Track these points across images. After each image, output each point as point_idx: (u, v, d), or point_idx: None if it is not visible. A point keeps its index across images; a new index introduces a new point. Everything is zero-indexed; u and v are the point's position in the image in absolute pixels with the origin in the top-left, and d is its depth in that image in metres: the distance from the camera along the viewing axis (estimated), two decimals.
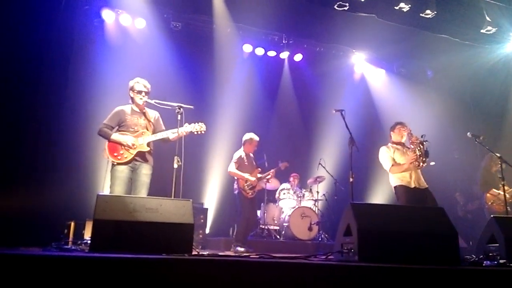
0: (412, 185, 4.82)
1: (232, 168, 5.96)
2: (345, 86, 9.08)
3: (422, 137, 4.83)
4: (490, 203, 6.09)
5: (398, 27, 7.24)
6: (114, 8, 7.22)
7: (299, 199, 7.53)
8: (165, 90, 5.58)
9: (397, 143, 5.08)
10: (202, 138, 6.90)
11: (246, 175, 5.90)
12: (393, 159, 4.93)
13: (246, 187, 5.88)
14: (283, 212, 7.43)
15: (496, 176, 6.00)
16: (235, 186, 5.97)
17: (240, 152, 6.07)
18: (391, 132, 5.18)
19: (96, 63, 6.88)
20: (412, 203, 4.70)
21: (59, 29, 6.27)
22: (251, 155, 6.21)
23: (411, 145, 4.90)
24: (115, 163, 4.23)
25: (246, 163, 6.01)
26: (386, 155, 4.99)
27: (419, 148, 4.76)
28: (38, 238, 4.27)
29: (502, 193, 5.31)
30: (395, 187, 4.96)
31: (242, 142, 6.14)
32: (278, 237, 7.15)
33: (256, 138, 6.10)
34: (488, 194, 6.14)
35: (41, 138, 5.99)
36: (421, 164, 4.75)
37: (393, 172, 4.93)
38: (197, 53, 8.01)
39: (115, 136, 4.28)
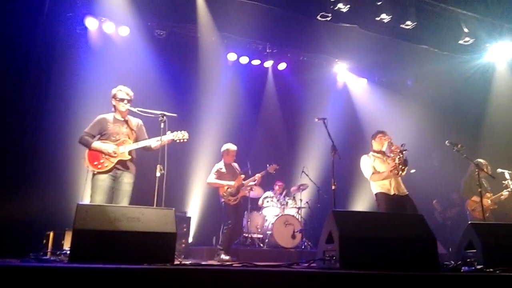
0: (392, 192, 4.91)
1: (211, 178, 6.01)
2: (328, 95, 9.21)
3: (402, 146, 4.93)
4: (471, 209, 6.23)
5: (379, 38, 7.41)
6: (97, 15, 7.17)
7: (283, 207, 7.55)
8: (148, 98, 5.54)
9: (378, 152, 5.18)
10: (186, 147, 6.89)
11: (225, 182, 5.91)
12: (374, 167, 5.02)
13: (226, 194, 5.87)
14: (266, 220, 7.43)
15: (481, 184, 6.15)
16: (220, 196, 5.98)
17: (220, 165, 6.12)
18: (372, 141, 5.27)
19: (79, 70, 6.81)
20: (392, 209, 4.79)
21: (41, 36, 6.18)
22: (234, 164, 6.22)
23: (391, 154, 5.00)
24: (96, 172, 4.18)
25: (226, 173, 6.02)
26: (366, 163, 5.09)
27: (398, 157, 4.84)
28: (16, 249, 4.16)
29: (484, 199, 5.49)
30: (375, 194, 5.06)
31: (221, 153, 6.19)
32: (261, 245, 7.15)
33: (233, 147, 6.13)
34: (470, 201, 6.28)
35: (20, 147, 5.86)
36: (400, 172, 4.84)
37: (374, 180, 5.02)
38: (182, 61, 8.01)
39: (96, 144, 4.24)
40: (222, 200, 5.91)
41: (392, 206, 4.83)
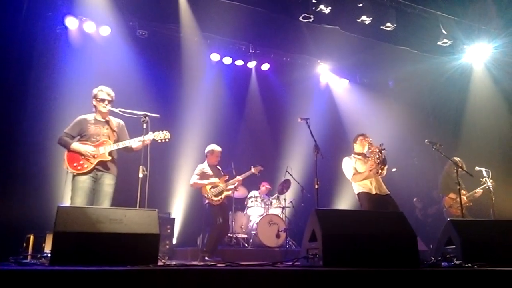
0: (374, 192, 5.03)
1: (193, 179, 5.93)
2: (311, 95, 9.29)
3: (380, 145, 5.06)
4: (448, 206, 6.38)
5: (361, 39, 7.51)
6: (77, 15, 7.06)
7: (267, 206, 7.57)
8: (130, 99, 5.49)
9: (359, 154, 5.30)
10: (169, 148, 6.85)
11: (208, 181, 5.82)
12: (355, 169, 5.13)
13: (209, 194, 5.78)
14: (250, 220, 7.44)
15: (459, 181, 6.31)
16: (203, 197, 5.90)
17: (203, 165, 6.04)
18: (354, 144, 5.40)
19: (59, 70, 6.69)
20: (374, 208, 4.91)
21: (20, 35, 6.06)
22: (217, 167, 6.16)
23: (371, 154, 5.10)
24: (75, 174, 4.11)
25: (210, 174, 5.95)
26: (348, 165, 5.21)
27: (377, 156, 4.97)
28: None
29: (461, 197, 5.62)
30: (358, 194, 5.17)
31: (205, 154, 6.12)
32: (246, 245, 7.15)
33: (218, 148, 6.08)
34: (447, 198, 6.43)
35: None
36: (380, 171, 4.98)
37: (355, 181, 5.13)
38: (164, 61, 7.95)
39: (75, 145, 4.17)
40: (206, 201, 5.83)
41: (375, 205, 4.94)
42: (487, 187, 6.12)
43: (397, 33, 7.23)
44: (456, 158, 6.16)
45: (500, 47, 7.63)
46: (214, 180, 5.86)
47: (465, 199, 6.22)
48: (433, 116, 9.33)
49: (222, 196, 5.89)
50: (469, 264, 3.17)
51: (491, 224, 3.93)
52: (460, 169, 5.69)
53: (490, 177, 6.13)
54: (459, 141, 8.29)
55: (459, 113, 8.57)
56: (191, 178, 6.02)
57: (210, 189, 5.83)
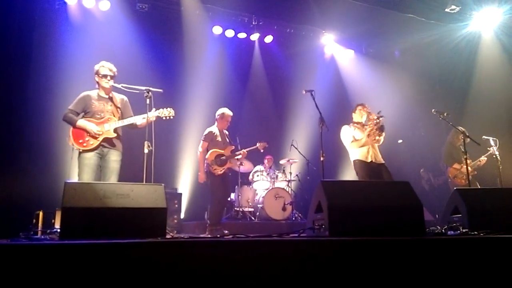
0: (369, 160, 5.14)
1: (201, 149, 5.71)
2: (316, 67, 9.15)
3: (378, 113, 5.16)
4: (453, 177, 6.36)
5: (366, 7, 7.32)
6: None
7: (273, 180, 7.61)
8: (133, 74, 5.42)
9: (357, 123, 5.40)
10: (173, 123, 6.80)
11: (202, 169, 5.65)
12: (353, 136, 5.23)
13: (213, 162, 5.61)
14: (257, 194, 7.50)
15: (460, 150, 6.24)
16: (205, 164, 5.71)
17: (212, 128, 5.83)
18: (353, 113, 5.50)
19: (60, 47, 6.63)
20: (368, 176, 5.05)
21: (19, 12, 5.98)
22: (226, 132, 5.96)
23: (368, 122, 5.21)
24: (81, 150, 4.13)
25: (218, 139, 5.76)
26: (346, 132, 5.32)
27: (375, 123, 5.09)
28: (5, 230, 4.13)
29: (464, 166, 5.59)
30: (353, 161, 5.28)
31: (215, 118, 5.91)
32: (253, 218, 7.24)
33: (228, 112, 5.83)
34: (451, 168, 6.40)
35: (4, 127, 5.75)
36: (377, 137, 5.10)
37: (353, 147, 5.23)
38: (166, 35, 7.82)
39: (81, 122, 4.17)
40: (206, 170, 5.66)
41: (368, 172, 5.07)
42: (493, 155, 6.07)
43: (403, 0, 7.03)
44: (459, 128, 6.09)
45: (510, 11, 7.40)
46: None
47: (470, 168, 6.19)
48: (439, 85, 9.19)
49: (225, 166, 5.70)
50: (475, 232, 3.18)
51: (497, 193, 3.90)
52: (467, 138, 5.64)
53: (497, 146, 6.07)
54: (466, 110, 8.19)
55: (466, 82, 8.43)
56: (199, 145, 5.80)
57: (215, 157, 5.63)
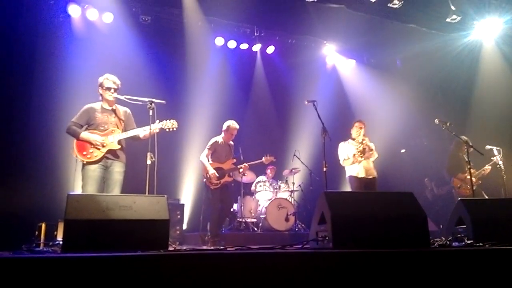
0: (360, 175, 5.63)
1: (203, 156, 5.77)
2: (318, 77, 9.19)
3: (364, 136, 5.74)
4: (457, 186, 6.32)
5: (367, 18, 7.36)
6: (80, 2, 7.01)
7: (275, 190, 7.59)
8: (136, 85, 5.46)
9: (353, 139, 5.82)
10: (176, 134, 6.81)
11: (209, 167, 5.64)
12: (347, 155, 5.63)
13: (208, 178, 5.63)
14: (259, 204, 7.47)
15: (464, 160, 6.22)
16: (203, 175, 5.75)
17: (218, 138, 5.88)
18: (351, 129, 5.85)
19: (63, 59, 6.68)
20: (360, 190, 5.54)
21: (23, 24, 6.05)
22: (231, 144, 6.00)
23: (355, 145, 5.71)
24: (85, 162, 4.13)
25: (221, 151, 5.81)
26: (341, 150, 5.79)
27: (357, 147, 5.66)
28: (7, 241, 4.12)
29: (468, 177, 5.56)
30: (348, 177, 5.80)
31: (222, 129, 5.95)
32: (255, 229, 7.20)
33: (234, 125, 5.84)
34: (455, 178, 6.37)
35: (6, 138, 5.77)
36: (360, 159, 5.62)
37: (345, 165, 5.75)
38: (168, 47, 7.88)
39: (84, 134, 4.19)
40: (204, 180, 5.72)
41: (360, 187, 5.59)
42: (497, 165, 6.04)
43: (405, 10, 7.08)
44: (463, 137, 6.08)
45: (511, 21, 7.43)
46: (210, 171, 5.61)
47: (474, 178, 6.15)
48: (441, 94, 9.19)
49: (222, 180, 5.68)
50: (480, 244, 3.15)
51: (502, 203, 3.88)
52: (470, 148, 5.62)
53: (501, 155, 6.04)
54: (468, 119, 8.18)
55: (468, 91, 8.43)
56: (202, 153, 5.85)
57: (211, 174, 5.61)
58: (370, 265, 2.45)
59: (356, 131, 5.80)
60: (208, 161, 5.77)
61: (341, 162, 5.78)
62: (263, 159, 6.42)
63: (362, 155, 5.62)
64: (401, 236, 3.04)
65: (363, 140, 5.71)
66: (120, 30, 7.31)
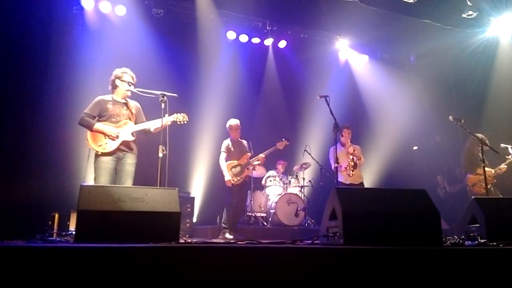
0: (348, 182, 5.86)
1: (221, 159, 5.97)
2: (330, 72, 9.11)
3: (354, 151, 6.02)
4: (471, 185, 6.23)
5: (381, 13, 7.26)
6: None
7: (285, 185, 7.58)
8: (147, 78, 5.47)
9: (342, 144, 6.05)
10: (187, 127, 6.83)
11: (226, 174, 5.83)
12: (337, 159, 5.48)
13: (231, 174, 5.85)
14: (269, 199, 7.47)
15: (479, 158, 6.11)
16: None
17: (227, 141, 6.07)
18: (340, 134, 5.97)
19: (76, 51, 6.72)
20: None
21: (37, 16, 6.10)
22: (242, 141, 6.16)
23: (347, 154, 5.98)
24: (99, 153, 4.16)
25: (233, 150, 5.99)
26: (332, 155, 5.88)
27: (349, 160, 5.92)
28: (22, 231, 4.19)
29: (485, 174, 5.51)
30: (335, 182, 5.97)
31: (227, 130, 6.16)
32: (265, 224, 7.21)
33: (233, 122, 6.06)
34: (471, 176, 6.27)
35: (21, 129, 5.85)
36: (351, 173, 5.90)
37: (336, 171, 5.91)
38: (180, 40, 7.88)
39: (98, 125, 4.22)
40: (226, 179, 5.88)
41: None
42: (508, 162, 5.93)
43: (419, 5, 6.96)
44: (479, 135, 5.98)
45: None
46: (226, 177, 5.81)
47: (489, 176, 6.05)
48: (455, 91, 9.05)
49: (243, 175, 5.91)
50: (494, 243, 3.10)
51: None
52: (485, 146, 5.53)
53: None
54: (483, 117, 8.04)
55: (483, 88, 8.28)
56: (220, 156, 6.02)
57: (231, 169, 5.87)
58: (381, 262, 2.43)
59: (345, 137, 6.06)
60: (226, 161, 5.93)
61: (332, 167, 5.94)
62: (277, 144, 6.37)
63: (353, 169, 5.91)
64: (413, 233, 3.02)
65: (353, 152, 5.97)
66: (133, 23, 7.33)
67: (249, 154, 6.05)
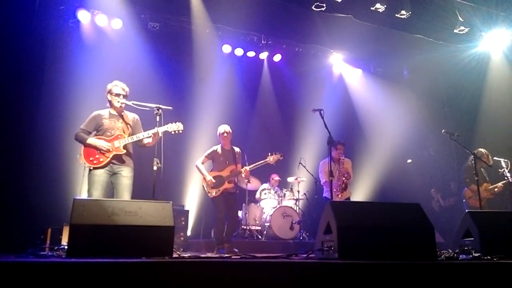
0: (337, 197, 5.82)
1: (198, 162, 5.69)
2: (324, 86, 9.19)
3: (346, 174, 6.08)
4: (468, 197, 6.30)
5: (375, 28, 7.36)
6: (89, 8, 7.08)
7: (280, 198, 7.56)
8: (143, 91, 5.49)
9: (334, 159, 5.99)
10: (182, 140, 6.87)
11: (206, 174, 5.55)
12: (331, 173, 5.25)
13: (205, 185, 5.56)
14: (264, 212, 7.44)
15: (480, 173, 6.20)
16: (202, 182, 5.68)
17: (216, 147, 5.78)
18: (333, 148, 5.90)
19: (72, 64, 6.74)
20: None
21: (33, 29, 6.11)
22: (235, 149, 5.82)
23: (340, 171, 6.02)
24: (92, 168, 4.15)
25: (221, 158, 5.68)
26: (321, 170, 6.13)
27: (340, 182, 5.97)
28: (14, 245, 4.15)
29: (484, 189, 5.88)
30: (323, 196, 6.18)
31: None
32: (260, 237, 7.16)
33: (221, 129, 5.72)
34: (467, 189, 6.34)
35: (15, 142, 5.81)
36: (340, 195, 5.92)
37: (326, 187, 6.03)
38: (176, 53, 7.93)
39: (91, 140, 4.22)
40: (204, 188, 5.63)
41: None
42: (505, 177, 5.98)
43: (412, 21, 7.06)
44: (481, 150, 6.08)
45: None
46: (207, 178, 5.51)
47: (485, 191, 6.11)
48: (448, 105, 9.15)
49: (221, 188, 5.52)
50: (488, 257, 3.11)
51: (510, 216, 3.83)
52: (480, 160, 5.63)
53: (508, 168, 5.99)
54: (476, 131, 8.12)
55: (475, 102, 8.39)
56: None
57: (208, 180, 5.51)
58: (376, 277, 2.42)
59: (338, 153, 6.09)
60: (208, 170, 5.69)
61: (321, 182, 6.14)
62: (269, 158, 6.00)
63: (343, 191, 5.97)
64: (407, 248, 3.02)
65: (344, 169, 6.02)
66: (129, 36, 7.37)
67: (234, 166, 5.69)
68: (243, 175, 5.77)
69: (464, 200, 6.47)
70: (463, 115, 8.60)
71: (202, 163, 5.72)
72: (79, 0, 6.95)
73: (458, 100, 8.82)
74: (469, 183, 6.37)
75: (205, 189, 5.60)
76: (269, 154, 6.07)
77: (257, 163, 5.96)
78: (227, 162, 5.69)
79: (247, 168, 5.74)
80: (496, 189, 6.19)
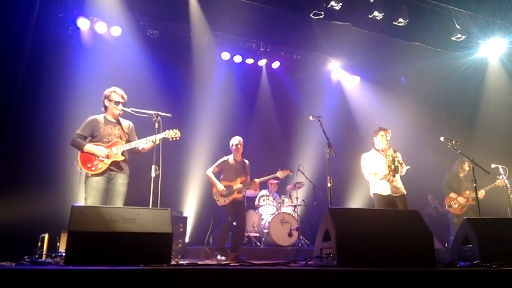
0: (386, 193, 5.04)
1: (209, 171, 5.86)
2: (322, 93, 9.23)
3: (395, 151, 5.14)
4: (448, 205, 6.33)
5: (372, 35, 7.42)
6: (89, 16, 7.12)
7: (279, 205, 7.55)
8: (142, 98, 5.50)
9: (378, 150, 5.25)
10: (181, 147, 6.86)
11: (217, 183, 5.74)
12: (371, 167, 5.11)
13: (215, 193, 5.76)
14: (263, 218, 7.42)
15: (462, 181, 6.23)
16: (212, 190, 5.86)
17: (228, 157, 5.95)
18: (374, 138, 5.33)
19: (71, 71, 6.76)
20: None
21: (33, 37, 6.12)
22: (245, 162, 6.02)
23: (386, 156, 5.10)
24: (89, 174, 4.14)
25: (231, 169, 5.85)
26: (364, 162, 5.23)
27: (389, 164, 5.04)
28: (11, 252, 4.11)
29: (460, 196, 6.05)
30: (372, 194, 5.21)
31: None
32: (258, 244, 7.14)
33: (233, 141, 5.90)
34: (447, 197, 6.38)
35: (13, 149, 5.80)
36: (391, 178, 5.02)
37: (371, 180, 5.19)
38: (175, 61, 7.97)
39: (89, 146, 4.20)
40: (213, 196, 5.81)
41: (385, 206, 4.99)
42: (503, 184, 5.98)
43: (410, 28, 7.12)
44: (463, 159, 6.09)
45: None
46: (218, 187, 5.71)
47: (462, 200, 6.14)
48: (446, 112, 9.19)
49: (230, 197, 5.74)
50: (487, 264, 3.10)
51: (509, 223, 3.83)
52: (470, 168, 5.68)
53: (507, 174, 6.00)
54: (474, 137, 8.15)
55: (473, 109, 8.43)
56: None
57: (219, 189, 5.72)
58: (375, 284, 2.41)
59: (381, 140, 5.15)
60: (218, 179, 5.84)
61: (365, 176, 5.18)
62: (278, 173, 6.40)
63: (394, 174, 5.01)
64: (406, 255, 3.01)
65: (394, 155, 5.07)
66: (128, 43, 7.41)
67: (244, 178, 5.87)
68: (248, 189, 6.01)
69: (445, 208, 6.50)
70: (461, 121, 8.64)
71: (213, 173, 5.86)
72: (78, 8, 6.98)
73: (456, 107, 8.86)
74: (447, 191, 6.41)
75: (215, 197, 5.76)
76: (279, 169, 6.44)
77: (266, 177, 6.31)
78: (238, 173, 5.87)
79: (257, 180, 6.07)
80: (480, 196, 6.16)
